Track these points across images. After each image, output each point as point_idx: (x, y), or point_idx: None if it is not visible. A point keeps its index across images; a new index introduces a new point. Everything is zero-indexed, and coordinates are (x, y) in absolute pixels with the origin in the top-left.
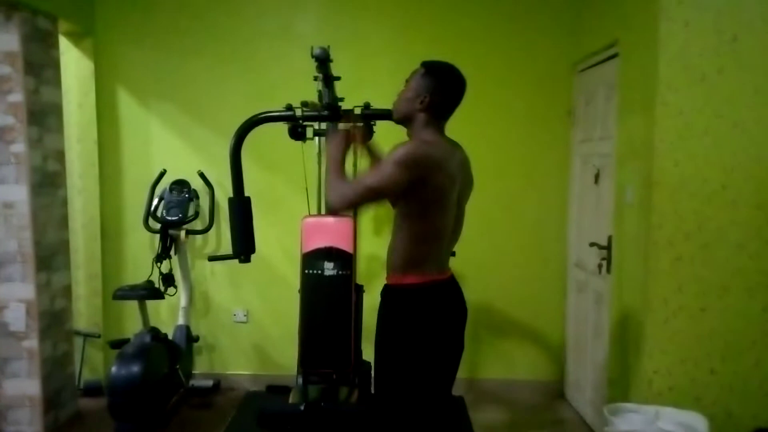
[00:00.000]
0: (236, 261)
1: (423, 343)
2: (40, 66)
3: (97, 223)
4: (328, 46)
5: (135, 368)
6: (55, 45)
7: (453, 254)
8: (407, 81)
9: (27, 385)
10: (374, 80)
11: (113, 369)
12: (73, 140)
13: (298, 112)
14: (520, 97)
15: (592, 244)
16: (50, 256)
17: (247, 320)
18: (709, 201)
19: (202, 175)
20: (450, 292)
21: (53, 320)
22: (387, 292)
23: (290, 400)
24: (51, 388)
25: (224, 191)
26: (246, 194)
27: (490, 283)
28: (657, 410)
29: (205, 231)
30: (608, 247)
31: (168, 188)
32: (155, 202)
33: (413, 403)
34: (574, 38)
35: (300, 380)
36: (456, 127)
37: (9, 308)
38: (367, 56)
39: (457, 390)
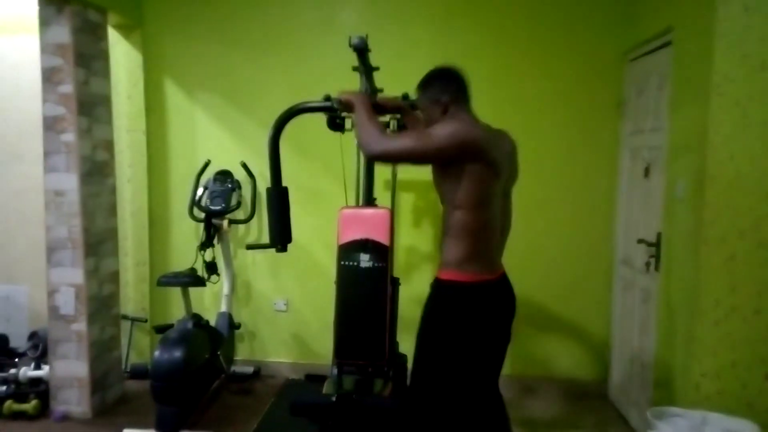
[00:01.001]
0: (275, 250)
1: (468, 341)
2: (90, 58)
3: (146, 211)
4: (366, 35)
5: (177, 353)
6: (104, 37)
7: None
8: (421, 111)
9: (76, 367)
10: (414, 71)
11: (156, 354)
12: (123, 131)
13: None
14: (568, 88)
15: (640, 241)
16: (99, 242)
17: (287, 309)
18: (767, 197)
19: (244, 166)
20: (500, 291)
21: (101, 305)
22: (437, 286)
23: (324, 391)
24: (98, 370)
25: (266, 182)
26: (284, 184)
27: (533, 277)
28: (704, 415)
29: (247, 221)
30: (657, 244)
31: (212, 178)
32: (200, 191)
33: (448, 398)
34: (625, 26)
35: (335, 371)
36: (499, 118)
37: (60, 292)
38: (408, 46)
39: None
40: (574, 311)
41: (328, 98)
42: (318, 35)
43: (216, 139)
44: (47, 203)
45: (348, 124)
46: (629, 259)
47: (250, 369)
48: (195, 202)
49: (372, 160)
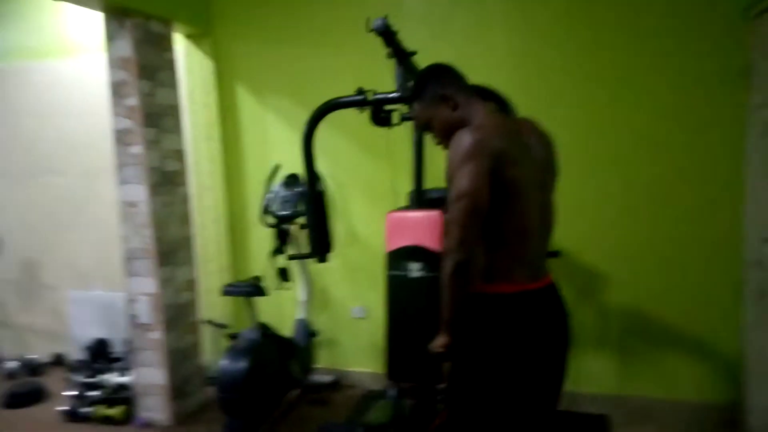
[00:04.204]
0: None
1: (503, 360)
2: (155, 69)
3: (225, 218)
4: (386, 16)
5: (242, 364)
6: (169, 48)
7: (556, 254)
8: (428, 125)
9: (155, 375)
10: (489, 54)
11: (222, 364)
12: (201, 139)
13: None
14: (674, 57)
15: None
16: (172, 251)
17: (365, 316)
18: None
19: None
20: (544, 301)
21: (177, 313)
22: (469, 300)
23: (370, 416)
24: (178, 377)
25: (337, 184)
26: (318, 189)
27: (642, 283)
28: None
29: None
30: None
31: (282, 183)
32: (269, 196)
33: (480, 421)
34: None
35: (391, 392)
36: (590, 97)
37: (137, 301)
38: (482, 27)
39: (602, 408)
40: (692, 322)
41: (360, 91)
42: None
43: (286, 143)
44: (122, 215)
45: (395, 118)
46: (763, 260)
47: (328, 378)
48: (265, 208)
49: (465, 264)
